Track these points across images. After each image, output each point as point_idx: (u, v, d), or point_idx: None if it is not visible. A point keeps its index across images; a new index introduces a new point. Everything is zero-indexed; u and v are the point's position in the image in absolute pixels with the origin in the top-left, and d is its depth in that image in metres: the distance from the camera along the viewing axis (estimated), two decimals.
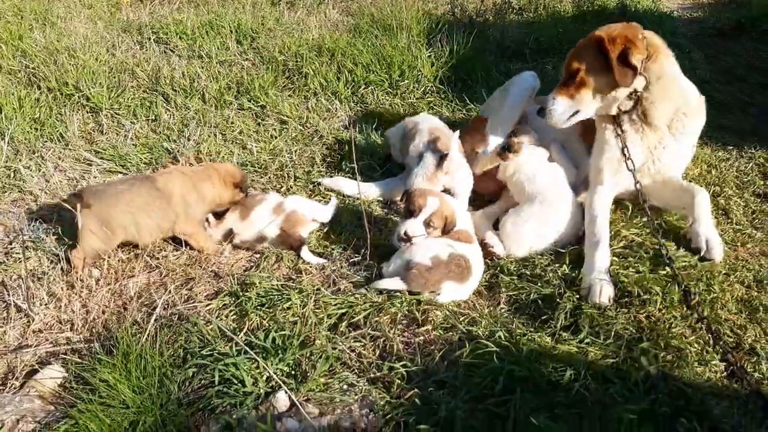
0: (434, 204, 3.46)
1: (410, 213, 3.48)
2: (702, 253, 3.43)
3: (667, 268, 3.32)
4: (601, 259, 3.41)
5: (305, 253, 3.76)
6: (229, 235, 3.87)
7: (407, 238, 3.44)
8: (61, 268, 3.55)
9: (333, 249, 3.84)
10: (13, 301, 3.33)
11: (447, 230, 3.50)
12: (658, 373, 2.74)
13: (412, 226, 3.45)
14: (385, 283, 3.32)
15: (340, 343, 3.05)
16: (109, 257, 3.62)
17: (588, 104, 3.75)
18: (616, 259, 3.50)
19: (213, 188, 3.83)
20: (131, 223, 3.55)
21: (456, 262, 3.32)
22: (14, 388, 2.89)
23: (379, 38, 6.55)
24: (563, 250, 3.64)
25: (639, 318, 3.06)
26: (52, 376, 2.89)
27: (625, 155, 3.70)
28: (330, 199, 4.21)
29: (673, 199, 3.82)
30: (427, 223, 3.46)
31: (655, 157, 3.77)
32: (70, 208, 3.47)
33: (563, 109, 3.78)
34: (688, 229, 3.59)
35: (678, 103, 3.70)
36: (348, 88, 5.90)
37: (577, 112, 3.79)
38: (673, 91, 3.68)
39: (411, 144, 4.31)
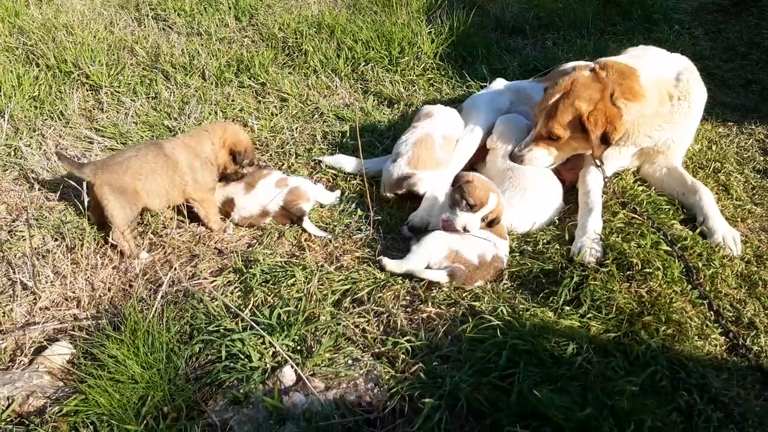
0: (494, 202, 3.38)
1: (470, 206, 3.39)
2: (721, 250, 3.45)
3: (668, 246, 3.37)
4: (592, 223, 3.52)
5: (306, 223, 3.80)
6: (229, 204, 3.90)
7: (464, 231, 3.39)
8: (66, 245, 3.57)
9: (335, 225, 3.86)
10: (19, 279, 3.36)
11: (494, 224, 3.46)
12: (659, 346, 2.79)
13: (471, 222, 3.37)
14: (429, 275, 3.29)
15: (345, 319, 3.09)
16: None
17: (564, 158, 3.93)
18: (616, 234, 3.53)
19: (211, 147, 3.84)
20: (142, 188, 3.59)
21: (495, 265, 3.34)
22: (23, 364, 2.93)
23: (379, 14, 6.52)
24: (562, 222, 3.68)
25: (640, 293, 3.10)
26: (60, 353, 2.93)
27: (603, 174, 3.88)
28: (335, 186, 4.30)
29: (679, 195, 3.90)
30: (483, 219, 3.41)
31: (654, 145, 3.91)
32: (75, 184, 3.48)
33: (541, 159, 3.86)
34: (701, 227, 3.63)
35: (657, 118, 3.75)
36: (348, 66, 5.87)
37: (551, 164, 3.94)
38: (649, 121, 3.75)
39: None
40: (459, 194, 3.43)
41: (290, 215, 3.81)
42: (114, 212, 3.51)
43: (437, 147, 4.08)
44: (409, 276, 3.35)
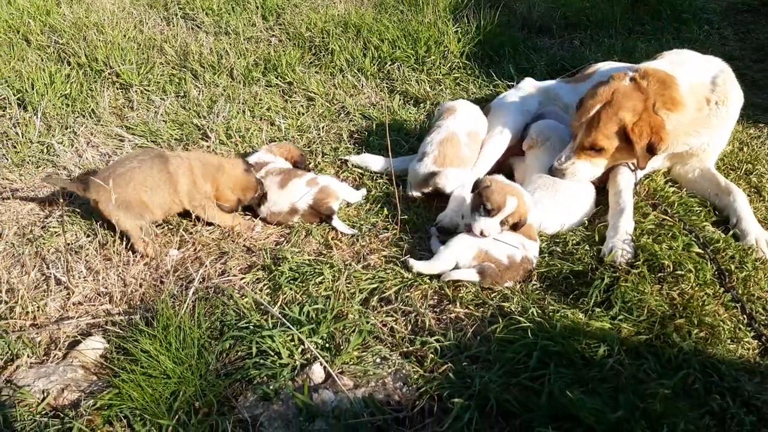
0: (513, 204, 3.35)
1: (487, 211, 3.37)
2: (754, 253, 3.41)
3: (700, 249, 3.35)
4: (624, 224, 3.49)
5: (336, 222, 3.82)
6: (262, 198, 3.94)
7: (482, 236, 3.37)
8: (98, 242, 3.62)
9: (362, 224, 3.87)
10: (53, 274, 3.41)
11: (519, 227, 3.43)
12: (691, 349, 2.76)
13: (489, 226, 3.36)
14: (459, 274, 3.28)
15: (372, 318, 3.10)
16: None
17: (604, 170, 3.84)
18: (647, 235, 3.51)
19: (209, 186, 3.78)
20: (149, 200, 3.59)
21: (524, 266, 3.33)
22: (57, 358, 2.98)
23: (405, 13, 6.54)
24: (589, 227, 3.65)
25: (672, 295, 3.07)
26: (93, 347, 2.97)
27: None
28: (361, 185, 4.31)
29: (711, 196, 3.86)
30: (503, 222, 3.39)
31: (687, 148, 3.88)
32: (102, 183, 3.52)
33: (584, 172, 3.77)
34: (734, 230, 3.59)
35: (695, 124, 3.72)
36: (374, 65, 5.88)
37: (593, 176, 3.84)
38: (686, 128, 3.72)
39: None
40: (478, 199, 3.44)
41: (319, 214, 3.83)
42: (126, 226, 3.55)
43: (463, 145, 4.08)
44: (437, 276, 3.35)
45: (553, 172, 3.79)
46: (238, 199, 3.85)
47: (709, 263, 3.26)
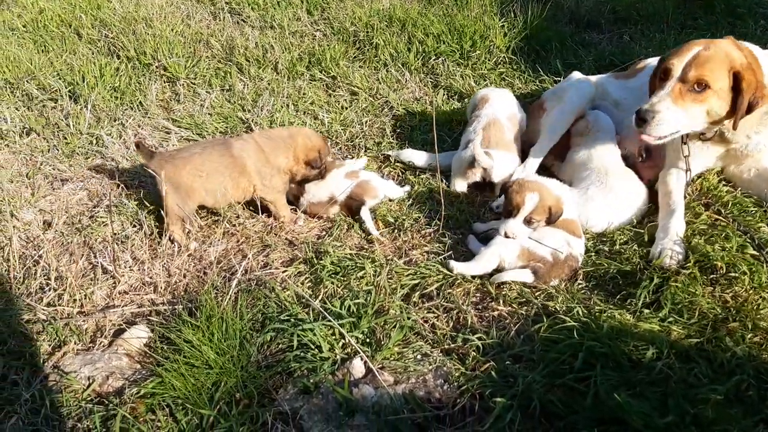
0: (533, 201, 3.26)
1: (509, 212, 3.33)
2: None
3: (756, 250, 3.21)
4: (674, 225, 3.37)
5: (364, 212, 3.78)
6: (300, 188, 3.97)
7: (506, 237, 3.32)
8: (144, 233, 3.67)
9: (404, 220, 3.84)
10: (100, 263, 3.48)
11: (553, 220, 3.33)
12: (745, 354, 2.66)
13: (512, 228, 3.30)
14: (512, 275, 3.20)
15: (414, 314, 3.08)
16: (190, 223, 3.73)
17: (693, 124, 3.39)
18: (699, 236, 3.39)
19: (286, 160, 3.81)
20: (200, 187, 3.63)
21: (570, 263, 3.25)
22: (103, 346, 3.03)
23: (451, 8, 6.47)
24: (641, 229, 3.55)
25: (725, 297, 2.96)
26: (138, 336, 3.02)
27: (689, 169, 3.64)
28: (404, 180, 4.30)
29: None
30: (528, 221, 3.31)
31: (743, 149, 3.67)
32: (153, 172, 3.57)
33: (672, 124, 3.33)
34: None
35: (756, 118, 3.49)
36: (418, 59, 5.82)
37: (677, 131, 3.40)
38: (750, 120, 3.46)
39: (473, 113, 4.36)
40: (503, 200, 3.42)
41: (351, 205, 3.85)
42: (169, 204, 3.58)
43: (506, 129, 4.09)
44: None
45: (641, 113, 3.33)
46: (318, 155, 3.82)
47: (764, 265, 3.12)
